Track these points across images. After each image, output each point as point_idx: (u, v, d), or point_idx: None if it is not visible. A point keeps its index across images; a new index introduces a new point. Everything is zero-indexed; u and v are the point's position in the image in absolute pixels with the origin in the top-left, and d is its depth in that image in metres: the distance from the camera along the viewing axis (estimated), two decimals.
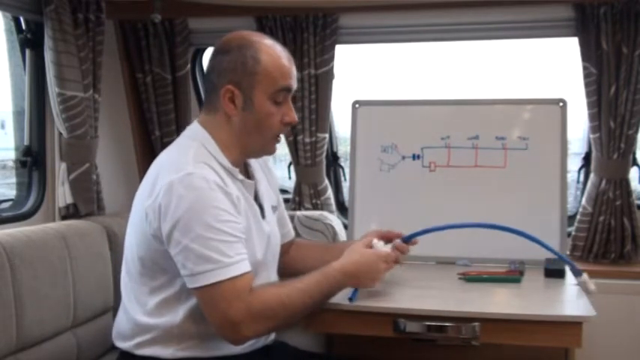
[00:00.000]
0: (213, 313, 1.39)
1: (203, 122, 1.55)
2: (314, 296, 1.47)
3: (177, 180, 1.38)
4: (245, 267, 1.40)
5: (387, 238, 1.68)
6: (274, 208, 1.70)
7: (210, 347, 1.49)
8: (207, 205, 1.37)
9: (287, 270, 1.83)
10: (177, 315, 1.47)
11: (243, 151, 1.56)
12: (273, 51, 1.51)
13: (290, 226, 1.86)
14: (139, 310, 1.50)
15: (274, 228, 1.67)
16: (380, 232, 1.70)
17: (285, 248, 1.82)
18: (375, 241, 1.64)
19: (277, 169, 2.55)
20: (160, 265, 1.45)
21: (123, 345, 1.54)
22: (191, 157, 1.44)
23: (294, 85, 1.55)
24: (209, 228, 1.36)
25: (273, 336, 1.65)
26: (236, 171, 1.52)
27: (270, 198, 1.70)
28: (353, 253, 1.57)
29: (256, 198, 1.61)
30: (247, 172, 1.62)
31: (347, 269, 1.52)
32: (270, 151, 1.60)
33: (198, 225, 1.36)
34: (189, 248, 1.36)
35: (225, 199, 1.42)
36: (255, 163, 1.68)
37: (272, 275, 1.65)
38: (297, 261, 1.83)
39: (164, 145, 2.50)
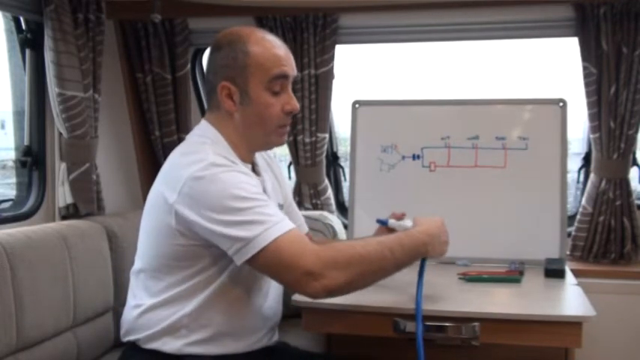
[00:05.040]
0: (285, 271, 1.36)
1: (211, 120, 1.56)
2: (394, 249, 1.41)
3: (202, 169, 1.39)
4: (291, 223, 1.40)
5: (397, 217, 1.70)
6: (280, 206, 1.69)
7: (218, 344, 1.48)
8: (235, 182, 1.39)
9: None
10: (187, 308, 1.46)
11: (249, 147, 1.56)
12: (263, 41, 1.50)
13: (300, 222, 1.82)
14: (149, 304, 1.49)
15: None
16: (393, 214, 1.73)
17: None
18: (392, 221, 1.68)
19: None
20: (181, 261, 1.45)
21: (130, 337, 1.54)
22: (209, 150, 1.45)
23: (291, 72, 1.52)
24: (245, 199, 1.37)
25: (276, 337, 1.64)
26: (247, 168, 1.52)
27: (277, 196, 1.69)
28: (422, 219, 1.57)
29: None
30: (254, 170, 1.61)
31: (428, 230, 1.50)
32: (277, 142, 1.58)
33: (235, 200, 1.36)
34: (235, 222, 1.35)
35: (248, 177, 1.44)
36: (262, 161, 1.67)
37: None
38: None
39: (164, 145, 2.52)
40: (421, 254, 1.49)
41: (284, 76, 1.50)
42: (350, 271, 1.36)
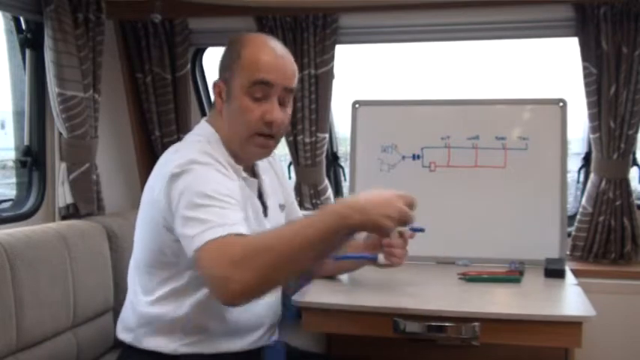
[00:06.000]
0: (204, 277, 1.28)
1: (209, 119, 1.57)
2: (308, 234, 1.21)
3: (181, 165, 1.38)
4: (235, 229, 1.27)
5: None
6: (282, 207, 1.70)
7: (214, 344, 1.48)
8: (206, 179, 1.35)
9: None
10: (182, 306, 1.46)
11: (235, 149, 1.54)
12: (258, 46, 1.49)
13: None
14: (144, 301, 1.50)
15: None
16: None
17: None
18: None
19: None
20: (170, 257, 1.45)
21: (127, 337, 1.54)
22: (197, 149, 1.44)
23: (278, 80, 1.47)
24: (208, 197, 1.31)
25: (276, 336, 1.64)
26: (239, 169, 1.51)
27: (279, 197, 1.69)
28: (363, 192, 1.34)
29: (261, 196, 1.60)
30: (253, 170, 1.62)
31: (353, 202, 1.26)
32: (254, 153, 1.52)
33: (198, 196, 1.32)
34: (189, 218, 1.31)
35: (226, 178, 1.41)
36: (264, 162, 1.66)
37: None
38: None
39: (164, 145, 2.52)
40: (343, 229, 1.23)
41: (265, 83, 1.46)
42: (259, 267, 1.20)
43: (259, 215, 1.57)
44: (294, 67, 1.53)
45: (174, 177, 1.37)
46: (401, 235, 1.64)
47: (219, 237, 1.25)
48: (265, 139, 1.50)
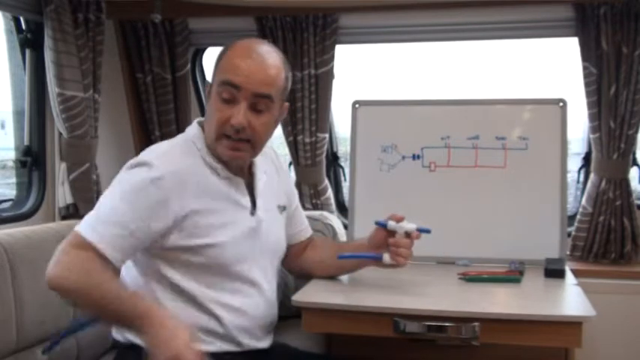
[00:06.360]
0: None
1: (202, 120, 1.60)
2: (113, 306, 1.34)
3: (133, 163, 1.48)
4: (102, 245, 1.38)
5: (397, 219, 1.66)
6: (281, 208, 1.70)
7: (205, 343, 1.47)
8: (134, 180, 1.44)
9: (303, 272, 1.83)
10: (161, 296, 1.48)
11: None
12: (238, 49, 1.49)
13: (304, 226, 1.82)
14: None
15: (272, 226, 1.64)
16: (392, 216, 1.68)
17: (300, 249, 1.80)
18: (392, 223, 1.65)
19: None
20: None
21: (117, 336, 1.55)
22: (161, 150, 1.52)
23: (245, 84, 1.44)
24: (123, 192, 1.44)
25: (269, 340, 1.63)
26: (217, 167, 1.52)
27: (278, 197, 1.69)
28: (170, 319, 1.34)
29: (252, 194, 1.59)
30: (250, 169, 1.61)
31: (154, 316, 1.31)
32: (223, 154, 1.51)
33: (117, 185, 1.47)
34: (99, 201, 1.47)
35: (156, 189, 1.43)
36: (266, 163, 1.66)
37: (258, 271, 1.58)
38: (314, 261, 1.80)
39: None
40: (133, 327, 1.35)
41: (231, 85, 1.45)
42: (68, 279, 1.36)
43: (240, 211, 1.56)
44: (272, 73, 1.48)
45: (125, 168, 1.49)
46: (408, 235, 1.64)
47: (89, 241, 1.38)
48: (233, 142, 1.48)
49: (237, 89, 1.46)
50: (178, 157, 1.51)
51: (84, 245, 1.38)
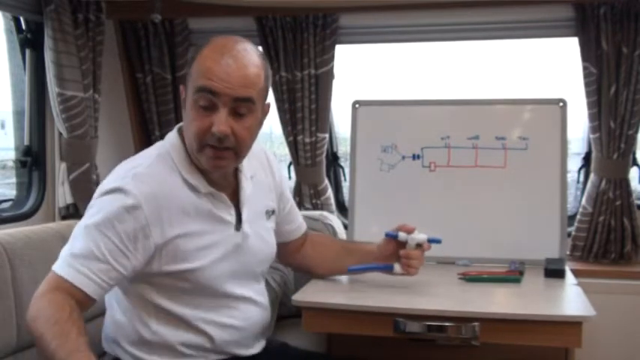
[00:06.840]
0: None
1: (182, 126, 1.48)
2: (59, 356, 1.19)
3: (101, 192, 1.40)
4: (78, 281, 1.30)
5: (408, 230, 1.66)
6: (269, 213, 1.62)
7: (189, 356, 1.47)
8: (110, 210, 1.35)
9: (302, 268, 1.83)
10: (144, 318, 1.45)
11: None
12: (212, 50, 1.37)
13: (299, 223, 1.77)
14: (116, 307, 1.49)
15: (258, 238, 1.56)
16: (403, 227, 1.67)
17: (298, 245, 1.78)
18: (403, 234, 1.66)
19: None
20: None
21: (107, 347, 1.53)
22: (136, 172, 1.41)
23: (224, 90, 1.34)
24: (96, 225, 1.34)
25: (262, 345, 1.61)
26: (200, 185, 1.44)
27: (267, 201, 1.62)
28: None
29: (237, 207, 1.51)
30: (236, 176, 1.53)
31: None
32: (206, 164, 1.41)
33: (91, 217, 1.36)
34: (74, 234, 1.38)
35: (129, 229, 1.35)
36: (249, 166, 1.55)
37: (247, 284, 1.54)
38: (313, 258, 1.78)
39: None
40: None
41: (209, 91, 1.34)
42: (31, 320, 1.27)
43: (223, 229, 1.48)
44: (251, 74, 1.37)
45: (99, 193, 1.41)
46: (419, 246, 1.66)
47: (65, 279, 1.30)
48: (217, 151, 1.38)
49: (215, 95, 1.34)
50: (155, 177, 1.41)
51: (60, 285, 1.30)
